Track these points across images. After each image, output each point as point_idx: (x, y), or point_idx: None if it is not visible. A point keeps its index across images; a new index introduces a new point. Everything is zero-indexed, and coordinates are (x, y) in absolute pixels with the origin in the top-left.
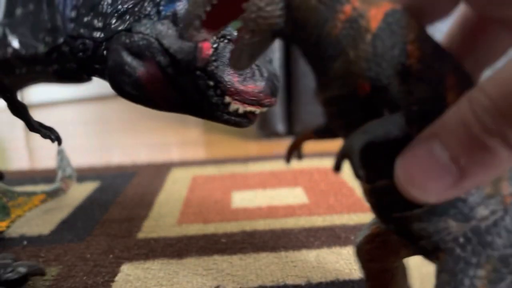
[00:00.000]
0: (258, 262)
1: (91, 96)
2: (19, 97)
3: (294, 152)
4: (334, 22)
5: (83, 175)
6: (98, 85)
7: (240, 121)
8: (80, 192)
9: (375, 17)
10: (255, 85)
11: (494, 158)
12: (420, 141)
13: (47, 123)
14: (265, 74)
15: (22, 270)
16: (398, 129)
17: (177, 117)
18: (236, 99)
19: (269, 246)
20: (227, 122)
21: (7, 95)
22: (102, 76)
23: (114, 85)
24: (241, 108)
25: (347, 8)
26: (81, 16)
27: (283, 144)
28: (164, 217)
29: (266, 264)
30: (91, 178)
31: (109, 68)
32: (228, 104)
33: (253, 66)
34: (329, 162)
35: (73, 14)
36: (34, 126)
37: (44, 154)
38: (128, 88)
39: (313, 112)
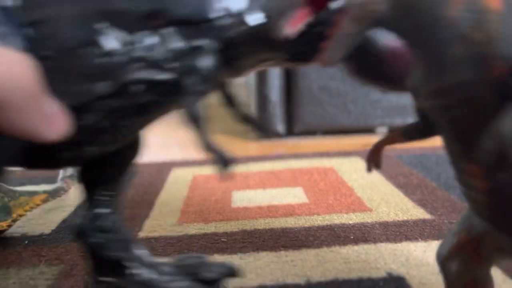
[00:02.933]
0: (258, 261)
1: None
2: None
3: (373, 158)
4: (451, 4)
5: None
6: None
7: None
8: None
9: None
10: None
11: None
12: None
13: None
14: None
15: (220, 269)
16: None
17: (178, 118)
18: None
19: (269, 245)
20: None
21: (224, 85)
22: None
23: (354, 65)
24: None
25: None
26: None
27: (283, 144)
28: (165, 216)
29: (266, 263)
30: None
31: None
32: None
33: None
34: (328, 162)
35: None
36: (242, 118)
37: None
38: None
39: (313, 112)
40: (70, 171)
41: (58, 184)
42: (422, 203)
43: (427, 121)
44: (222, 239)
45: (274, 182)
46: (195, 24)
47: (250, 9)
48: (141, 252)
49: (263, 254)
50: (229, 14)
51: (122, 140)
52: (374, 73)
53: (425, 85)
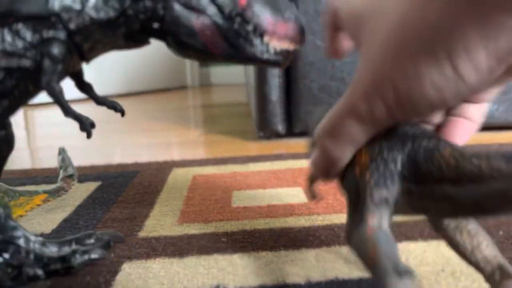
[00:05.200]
0: (258, 261)
1: None
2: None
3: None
4: None
5: (85, 174)
6: (100, 86)
7: (278, 60)
8: (81, 191)
9: None
10: (287, 24)
11: None
12: None
13: (49, 123)
14: (292, 16)
15: (106, 237)
16: None
17: (178, 118)
18: (273, 38)
19: (269, 245)
20: (268, 62)
21: (77, 72)
22: (160, 35)
23: (173, 38)
24: (278, 45)
25: None
26: None
27: (283, 144)
28: (165, 216)
29: (266, 263)
30: (92, 178)
31: (167, 23)
32: (267, 44)
33: (282, 9)
34: None
35: None
36: (99, 100)
37: (45, 154)
38: (185, 38)
39: (313, 112)
40: (70, 171)
41: (58, 184)
42: None
43: None
44: (222, 239)
45: (274, 182)
46: (45, 18)
47: (87, 3)
48: (29, 233)
49: (263, 253)
50: (72, 9)
51: None
52: (188, 45)
53: None
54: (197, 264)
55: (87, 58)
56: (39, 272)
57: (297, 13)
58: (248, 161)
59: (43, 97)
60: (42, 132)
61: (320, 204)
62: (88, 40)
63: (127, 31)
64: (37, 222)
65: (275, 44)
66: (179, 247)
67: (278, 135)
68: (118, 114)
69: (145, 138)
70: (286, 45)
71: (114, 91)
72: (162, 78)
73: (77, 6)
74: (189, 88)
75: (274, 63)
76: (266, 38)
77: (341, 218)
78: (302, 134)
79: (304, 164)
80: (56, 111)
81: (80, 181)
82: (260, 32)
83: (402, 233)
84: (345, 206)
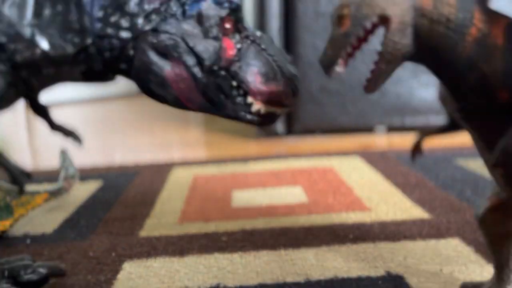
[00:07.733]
0: (258, 260)
1: (94, 97)
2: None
3: (417, 150)
4: (464, 44)
5: (86, 174)
6: (100, 87)
7: (262, 121)
8: (83, 191)
9: (498, 35)
10: (277, 86)
11: None
12: None
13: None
14: (286, 75)
15: (43, 270)
16: None
17: (178, 118)
18: (258, 99)
19: (269, 244)
20: (250, 122)
21: (31, 96)
22: (127, 75)
23: (140, 85)
24: (263, 108)
25: (473, 30)
26: (108, 15)
27: (283, 144)
28: (166, 215)
29: (266, 262)
30: (93, 178)
31: (136, 67)
32: (251, 104)
33: (275, 67)
34: (327, 162)
35: (100, 14)
36: (55, 126)
37: (47, 154)
38: (154, 88)
39: (312, 112)
40: (71, 171)
41: (60, 184)
42: (420, 203)
43: (454, 123)
44: (223, 238)
45: (274, 181)
46: None
47: (41, 35)
48: None
49: (263, 253)
50: (20, 40)
51: None
52: (157, 95)
53: (451, 104)
54: (197, 263)
55: (35, 91)
56: None
57: (295, 71)
58: (248, 160)
59: (44, 98)
60: (44, 132)
61: (320, 204)
62: (38, 74)
63: (87, 69)
64: (39, 222)
65: (260, 106)
66: (179, 246)
67: (277, 135)
68: (119, 115)
69: (145, 138)
70: (272, 109)
71: (115, 91)
72: None
73: (27, 36)
74: None
75: (258, 124)
76: (250, 98)
77: (340, 217)
78: (302, 134)
79: (304, 163)
80: (58, 111)
81: (82, 181)
82: (244, 90)
83: (401, 233)
84: (345, 206)
